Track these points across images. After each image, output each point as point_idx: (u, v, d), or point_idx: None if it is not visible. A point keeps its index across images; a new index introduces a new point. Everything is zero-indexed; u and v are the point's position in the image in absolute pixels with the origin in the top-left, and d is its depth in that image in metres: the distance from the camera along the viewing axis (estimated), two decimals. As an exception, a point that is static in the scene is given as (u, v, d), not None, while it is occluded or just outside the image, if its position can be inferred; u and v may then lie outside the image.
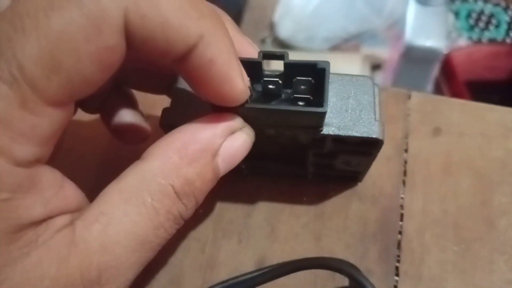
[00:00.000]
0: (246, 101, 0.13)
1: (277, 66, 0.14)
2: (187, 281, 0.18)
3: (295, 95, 0.13)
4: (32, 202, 0.10)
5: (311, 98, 0.13)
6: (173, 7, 0.10)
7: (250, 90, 0.12)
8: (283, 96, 0.14)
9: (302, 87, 0.13)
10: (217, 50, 0.11)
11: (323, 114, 0.13)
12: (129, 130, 0.17)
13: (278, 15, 0.61)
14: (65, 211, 0.11)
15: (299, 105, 0.13)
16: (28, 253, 0.10)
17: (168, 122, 0.15)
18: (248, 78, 0.12)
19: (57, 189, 0.11)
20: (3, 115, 0.09)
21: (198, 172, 0.12)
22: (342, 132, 0.14)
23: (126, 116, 0.17)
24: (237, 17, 0.62)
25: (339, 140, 0.15)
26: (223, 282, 0.17)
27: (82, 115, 0.20)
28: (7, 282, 0.10)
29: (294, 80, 0.13)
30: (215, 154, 0.12)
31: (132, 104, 0.18)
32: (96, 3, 0.09)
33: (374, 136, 0.14)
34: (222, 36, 0.11)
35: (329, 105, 0.13)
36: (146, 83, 0.17)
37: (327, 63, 0.13)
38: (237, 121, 0.13)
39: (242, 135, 0.13)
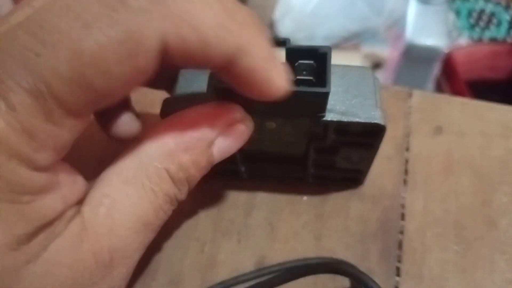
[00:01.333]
0: None
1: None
2: (186, 281, 0.18)
3: (297, 77, 0.13)
4: (53, 201, 0.10)
5: (313, 80, 0.13)
6: (212, 25, 0.10)
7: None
8: None
9: (304, 72, 0.13)
10: (256, 59, 0.11)
11: (326, 95, 0.13)
12: (119, 125, 0.17)
13: (278, 14, 0.61)
14: (76, 203, 0.12)
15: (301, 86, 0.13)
16: (47, 245, 0.10)
17: (169, 112, 0.15)
18: (287, 69, 0.12)
19: (72, 184, 0.11)
20: (27, 126, 0.09)
21: (192, 160, 0.12)
22: (344, 118, 0.14)
23: (116, 110, 0.17)
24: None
25: (341, 129, 0.15)
26: (222, 282, 0.17)
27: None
28: (30, 276, 0.10)
29: (297, 64, 0.13)
30: (211, 143, 0.13)
31: (124, 98, 0.17)
32: (133, 25, 0.09)
33: (376, 122, 0.14)
34: (260, 42, 0.11)
35: (330, 92, 0.13)
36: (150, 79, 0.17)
37: (329, 47, 0.13)
38: (238, 113, 0.13)
39: (241, 127, 0.13)
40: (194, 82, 0.15)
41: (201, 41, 0.10)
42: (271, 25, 0.61)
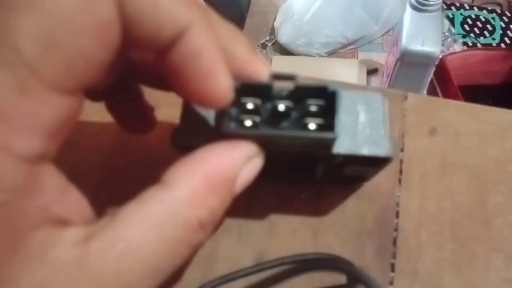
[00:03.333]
0: (256, 125, 0.13)
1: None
2: (186, 276, 0.18)
3: (305, 118, 0.13)
4: (30, 206, 0.09)
5: (322, 122, 0.13)
6: None
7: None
8: (293, 115, 0.14)
9: (313, 109, 0.13)
10: (205, 41, 0.10)
11: (333, 140, 0.13)
12: (134, 120, 0.17)
13: (279, 21, 0.62)
14: (69, 221, 0.10)
15: (309, 129, 0.13)
16: (35, 268, 0.09)
17: (181, 143, 0.15)
18: (232, 81, 0.12)
19: (59, 194, 0.10)
20: (0, 104, 0.08)
21: (220, 201, 0.12)
22: (351, 151, 0.14)
23: (130, 105, 0.17)
24: (239, 22, 0.62)
25: (349, 157, 0.15)
26: (222, 277, 0.17)
27: (87, 111, 0.20)
28: None
29: (304, 103, 0.13)
30: (235, 181, 0.13)
31: (136, 94, 0.17)
32: None
33: (383, 155, 0.14)
34: (211, 29, 0.11)
35: (338, 124, 0.13)
36: (154, 80, 0.17)
37: (338, 86, 0.12)
38: (254, 148, 0.13)
39: (257, 160, 0.13)
40: (200, 113, 0.15)
41: (153, 1, 0.10)
42: (272, 32, 0.62)
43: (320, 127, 0.13)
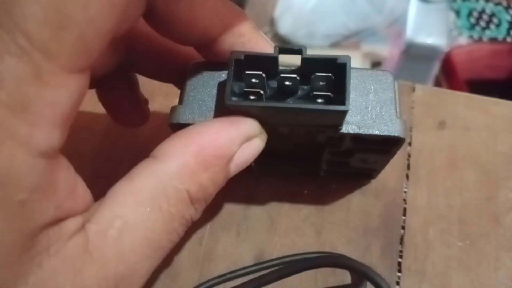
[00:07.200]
0: (262, 99, 0.12)
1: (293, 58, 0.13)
2: (183, 274, 0.17)
3: (314, 93, 0.13)
4: (46, 205, 0.09)
5: (331, 95, 0.13)
6: None
7: (266, 83, 0.12)
8: (299, 92, 0.13)
9: (321, 83, 0.12)
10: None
11: (344, 113, 0.12)
12: (126, 112, 0.16)
13: (279, 11, 0.61)
14: (74, 213, 0.10)
15: (318, 103, 0.13)
16: (40, 263, 0.09)
17: (178, 122, 0.14)
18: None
19: (70, 190, 0.10)
20: (17, 95, 0.08)
21: (212, 178, 0.12)
22: (362, 131, 0.13)
23: (124, 96, 0.16)
24: (236, 12, 0.61)
25: (358, 138, 0.14)
26: (220, 276, 0.16)
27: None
28: None
29: (313, 76, 0.12)
30: (230, 160, 0.12)
31: (132, 85, 0.17)
32: None
33: (396, 135, 0.13)
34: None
35: (349, 97, 0.12)
36: (155, 70, 0.16)
37: (348, 57, 0.12)
38: (255, 128, 0.13)
39: (257, 142, 0.13)
40: (201, 92, 0.14)
41: None
42: (271, 22, 0.61)
43: (329, 101, 0.12)
